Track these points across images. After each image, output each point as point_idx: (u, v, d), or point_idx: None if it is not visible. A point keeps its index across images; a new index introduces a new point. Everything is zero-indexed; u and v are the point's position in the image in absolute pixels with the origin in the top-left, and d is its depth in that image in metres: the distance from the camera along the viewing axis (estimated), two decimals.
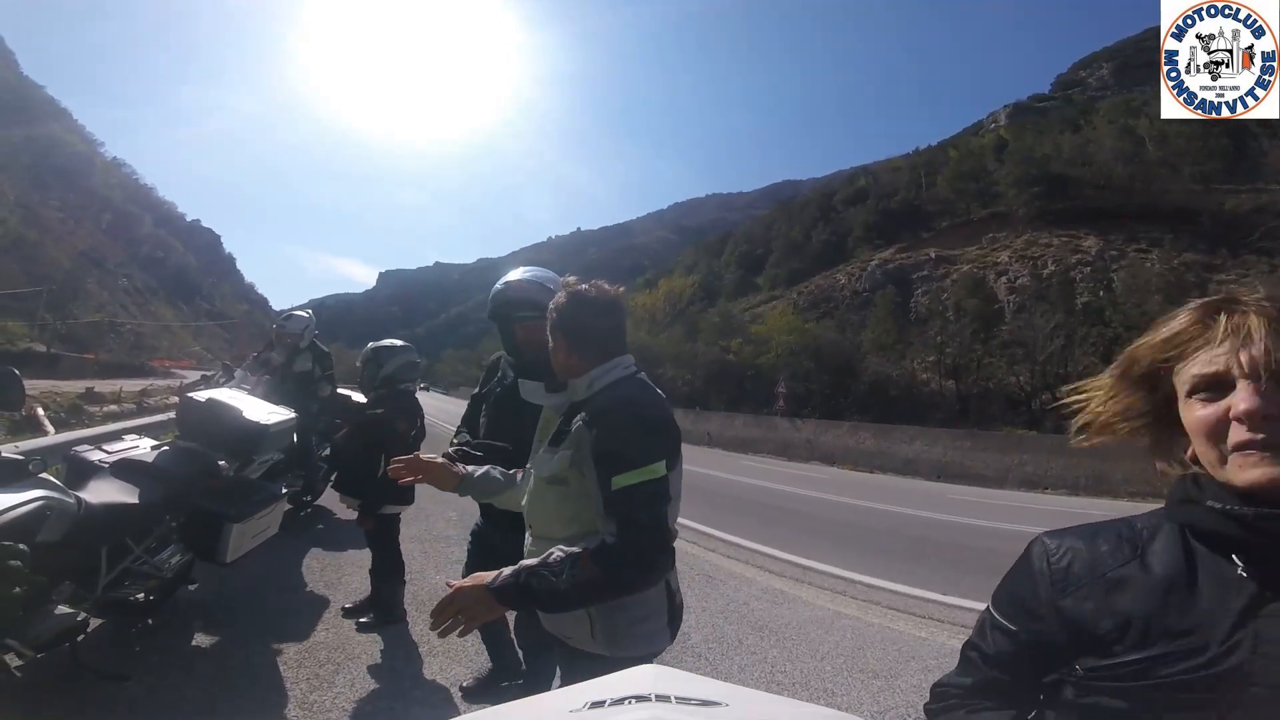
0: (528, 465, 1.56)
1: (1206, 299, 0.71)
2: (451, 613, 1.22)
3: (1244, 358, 0.64)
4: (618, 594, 1.30)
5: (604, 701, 0.53)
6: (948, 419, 24.63)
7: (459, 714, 2.55)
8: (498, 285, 2.22)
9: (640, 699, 0.53)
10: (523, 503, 1.52)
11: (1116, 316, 25.41)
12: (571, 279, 1.52)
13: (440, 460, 1.65)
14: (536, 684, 2.38)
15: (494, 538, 2.40)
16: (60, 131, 65.83)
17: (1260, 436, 0.62)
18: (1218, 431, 0.65)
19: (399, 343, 3.79)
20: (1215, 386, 0.66)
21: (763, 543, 6.02)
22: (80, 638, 2.31)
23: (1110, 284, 28.45)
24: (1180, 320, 0.71)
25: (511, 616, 2.61)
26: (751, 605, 4.25)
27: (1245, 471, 0.62)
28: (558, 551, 1.27)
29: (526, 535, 1.51)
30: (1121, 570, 0.69)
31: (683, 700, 0.52)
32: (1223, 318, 0.67)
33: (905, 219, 42.64)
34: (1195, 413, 0.67)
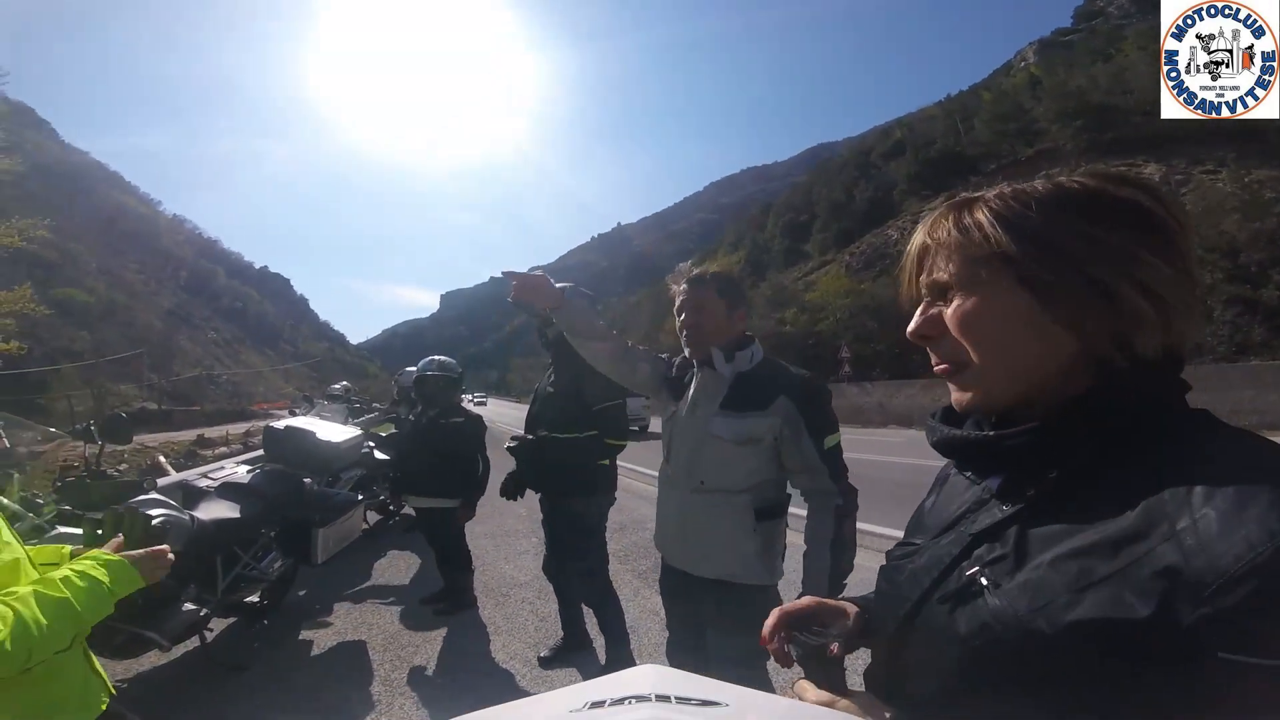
0: (680, 424, 1.70)
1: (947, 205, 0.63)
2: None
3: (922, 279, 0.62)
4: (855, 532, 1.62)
5: (604, 701, 0.53)
6: None
7: (521, 686, 2.81)
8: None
9: (640, 699, 0.53)
10: (677, 465, 1.70)
11: (1194, 240, 23.47)
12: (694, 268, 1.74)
13: (539, 274, 1.70)
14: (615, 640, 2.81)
15: (545, 506, 2.95)
16: (118, 195, 67.74)
17: (935, 360, 0.62)
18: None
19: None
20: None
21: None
22: (210, 635, 2.78)
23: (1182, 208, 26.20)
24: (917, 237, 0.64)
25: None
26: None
27: (951, 394, 0.62)
28: (820, 534, 1.56)
29: (680, 490, 1.68)
30: (948, 470, 0.73)
31: (683, 700, 0.52)
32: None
33: (949, 166, 40.41)
34: None
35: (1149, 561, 0.43)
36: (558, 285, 1.74)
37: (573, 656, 3.01)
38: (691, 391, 1.71)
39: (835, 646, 0.66)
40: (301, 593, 4.14)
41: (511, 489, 3.02)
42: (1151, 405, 0.52)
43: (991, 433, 0.58)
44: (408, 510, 6.31)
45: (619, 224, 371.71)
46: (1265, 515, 0.40)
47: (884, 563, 0.72)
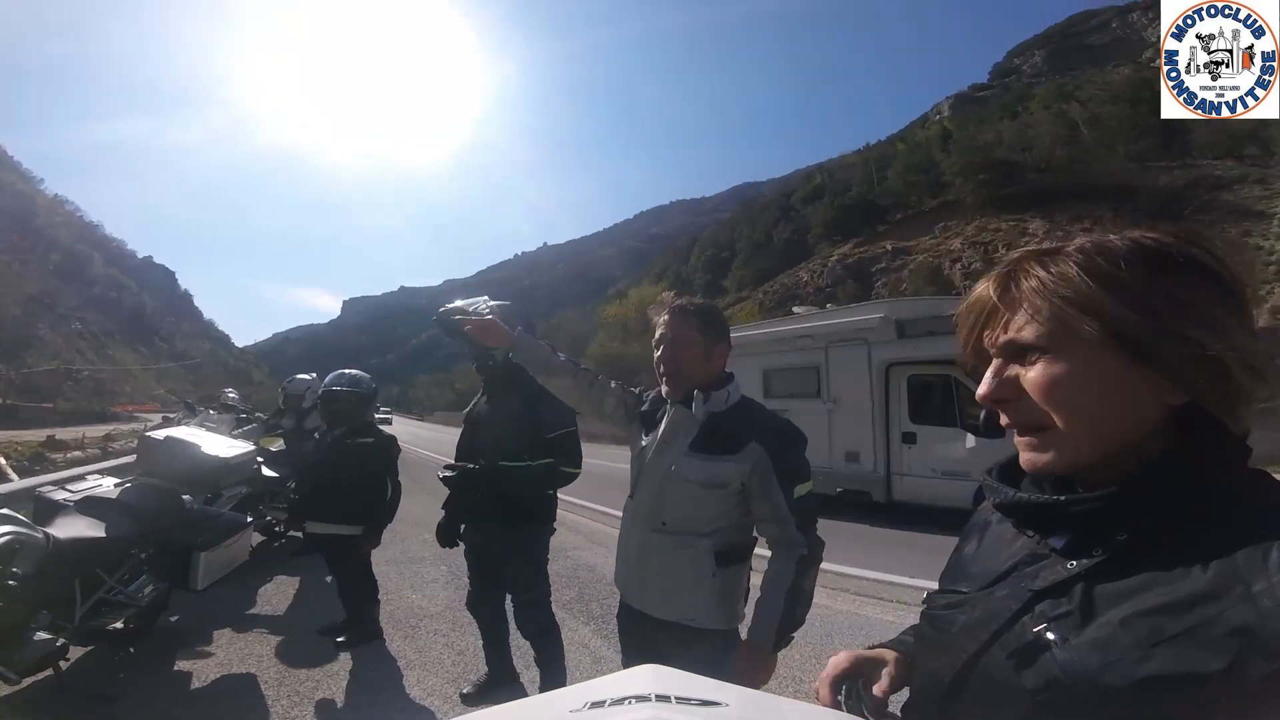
0: (648, 461, 1.64)
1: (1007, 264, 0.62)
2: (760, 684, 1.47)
3: (989, 337, 0.61)
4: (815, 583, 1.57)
5: (604, 701, 0.53)
6: None
7: None
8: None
9: (640, 699, 0.53)
10: (641, 502, 1.65)
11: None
12: (678, 298, 1.72)
13: (491, 318, 1.74)
14: (551, 669, 2.67)
15: (475, 537, 2.74)
16: None
17: (1007, 421, 0.60)
18: None
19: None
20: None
21: None
22: (64, 664, 2.40)
23: None
24: (979, 292, 0.63)
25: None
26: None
27: (1021, 454, 0.60)
28: (778, 581, 1.51)
29: (641, 529, 1.63)
30: (987, 517, 0.71)
31: (683, 700, 0.53)
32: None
33: (861, 213, 43.59)
34: None
35: (1222, 621, 0.44)
36: (488, 304, 1.80)
37: (500, 693, 2.83)
38: (662, 428, 1.65)
39: None
40: (174, 618, 3.69)
41: (450, 535, 2.79)
42: (1229, 468, 0.53)
43: (1063, 498, 0.57)
44: (294, 533, 5.82)
45: (545, 244, 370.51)
46: None
47: (926, 608, 0.71)
